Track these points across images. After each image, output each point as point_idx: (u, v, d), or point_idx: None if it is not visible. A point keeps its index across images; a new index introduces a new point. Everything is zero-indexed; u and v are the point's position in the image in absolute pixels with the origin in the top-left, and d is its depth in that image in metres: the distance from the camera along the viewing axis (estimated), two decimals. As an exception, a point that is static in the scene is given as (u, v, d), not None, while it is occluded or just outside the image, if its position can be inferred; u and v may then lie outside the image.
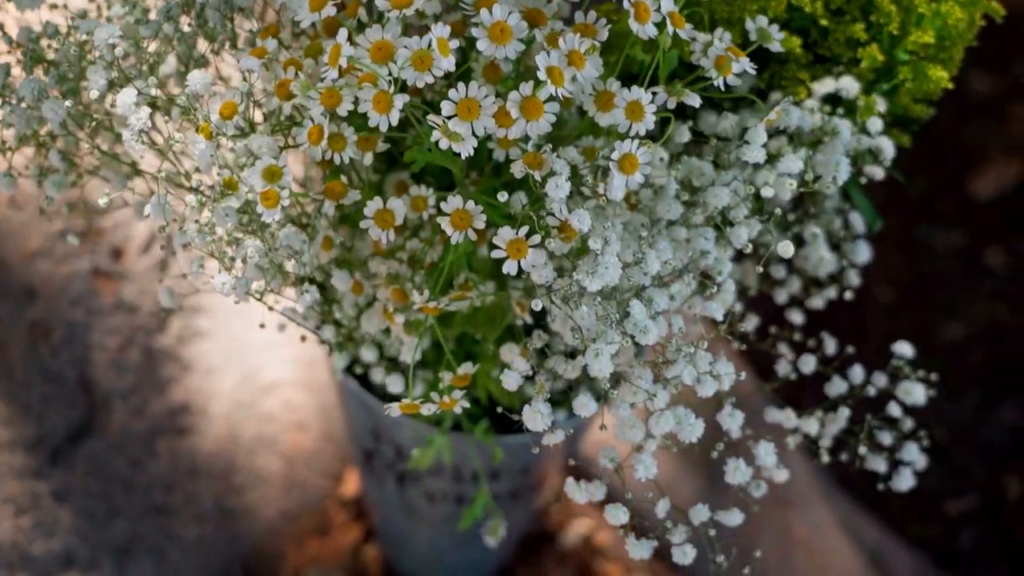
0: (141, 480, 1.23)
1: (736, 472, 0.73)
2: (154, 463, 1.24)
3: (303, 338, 0.88)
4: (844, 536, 1.36)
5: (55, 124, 0.72)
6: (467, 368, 0.73)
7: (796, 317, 0.88)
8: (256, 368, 1.35)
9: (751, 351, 0.87)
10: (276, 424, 1.36)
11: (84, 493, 1.17)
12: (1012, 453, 1.60)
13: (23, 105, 0.72)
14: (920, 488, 1.56)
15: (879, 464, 0.82)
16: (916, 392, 0.82)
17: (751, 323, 0.88)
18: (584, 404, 0.69)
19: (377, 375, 0.93)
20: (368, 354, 0.87)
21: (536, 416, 0.69)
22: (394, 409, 0.71)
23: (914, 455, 0.82)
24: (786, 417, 0.79)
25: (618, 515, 0.72)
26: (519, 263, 0.67)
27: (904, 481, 0.82)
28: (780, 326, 0.89)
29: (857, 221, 0.86)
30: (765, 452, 0.74)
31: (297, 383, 1.37)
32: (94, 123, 0.74)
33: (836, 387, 0.81)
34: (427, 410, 0.71)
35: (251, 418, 1.34)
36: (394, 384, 0.85)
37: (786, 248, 0.70)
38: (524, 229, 0.66)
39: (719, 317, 0.71)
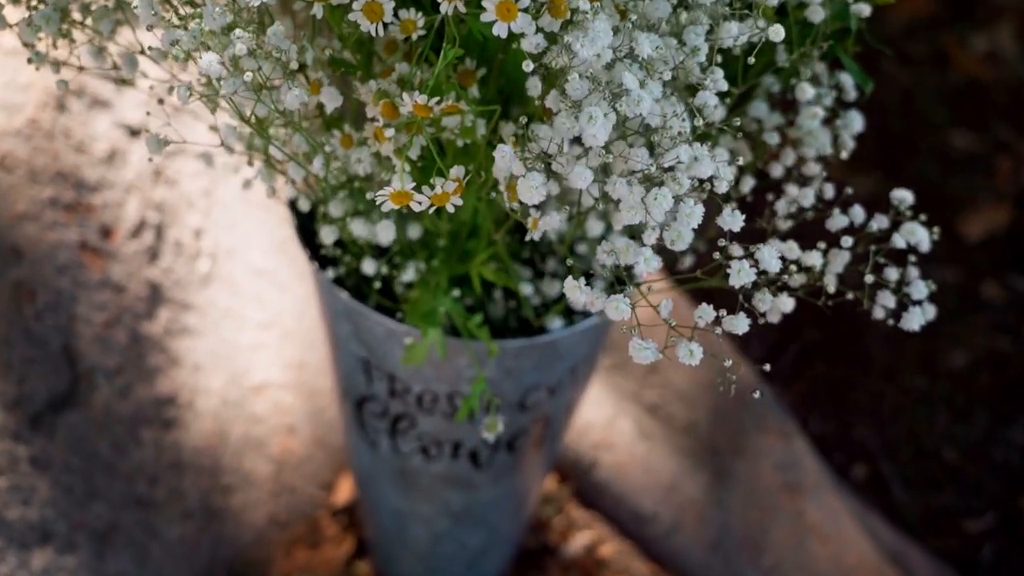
0: (123, 466, 1.18)
1: (740, 273, 0.70)
2: (138, 451, 1.19)
3: (291, 190, 0.85)
4: (859, 528, 1.30)
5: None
6: (458, 171, 0.71)
7: (792, 190, 0.86)
8: (245, 369, 1.31)
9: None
10: (265, 426, 1.32)
11: (64, 467, 1.12)
12: (1028, 474, 1.55)
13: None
14: (936, 506, 1.50)
15: (888, 300, 0.79)
16: (919, 233, 0.80)
17: (747, 184, 0.87)
18: (580, 174, 0.67)
19: (368, 266, 0.91)
20: (359, 228, 0.85)
21: (530, 189, 0.67)
22: (386, 203, 0.69)
23: (922, 292, 0.79)
24: (788, 248, 0.77)
25: (621, 308, 0.69)
26: (508, 27, 0.67)
27: (914, 319, 0.78)
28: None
29: (848, 86, 0.86)
30: (769, 255, 0.71)
31: (288, 386, 1.34)
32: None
33: (837, 221, 0.79)
34: (418, 204, 0.69)
35: (239, 418, 1.29)
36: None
37: (776, 32, 0.70)
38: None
39: (712, 103, 0.70)
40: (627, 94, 0.67)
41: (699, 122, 0.69)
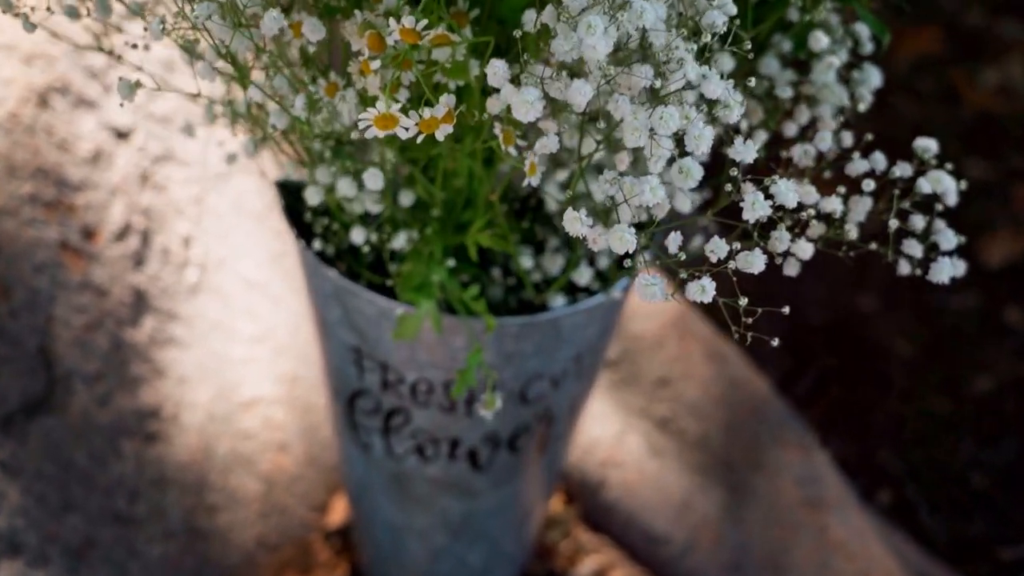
0: (102, 478, 1.11)
1: (754, 206, 0.64)
2: (118, 463, 1.13)
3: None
4: (885, 546, 1.22)
5: None
6: (448, 100, 0.66)
7: (809, 149, 0.81)
8: (234, 384, 1.25)
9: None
10: (254, 443, 1.25)
11: (36, 474, 1.05)
12: (1060, 501, 1.47)
13: None
14: (966, 533, 1.42)
15: (914, 248, 0.73)
16: (946, 181, 0.74)
17: (759, 139, 0.82)
18: (578, 89, 0.62)
19: (358, 235, 0.85)
20: (345, 187, 0.80)
21: (524, 104, 0.62)
22: (371, 129, 0.64)
23: (951, 241, 0.73)
24: (806, 192, 0.71)
25: (625, 238, 0.63)
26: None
27: (943, 271, 0.72)
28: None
29: (864, 37, 0.82)
30: (786, 189, 0.65)
31: (279, 401, 1.27)
32: None
33: (858, 166, 0.73)
34: (404, 131, 0.64)
35: (227, 434, 1.23)
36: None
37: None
38: None
39: (720, 22, 0.65)
40: (629, 7, 0.62)
41: (706, 38, 0.63)
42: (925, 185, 0.72)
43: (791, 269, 0.72)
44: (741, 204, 0.66)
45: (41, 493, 1.05)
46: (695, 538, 1.23)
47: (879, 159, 0.74)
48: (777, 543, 1.20)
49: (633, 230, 0.63)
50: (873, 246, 0.73)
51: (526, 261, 0.88)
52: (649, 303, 1.30)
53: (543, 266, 0.90)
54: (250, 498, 1.22)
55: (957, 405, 1.56)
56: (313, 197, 0.81)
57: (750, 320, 0.66)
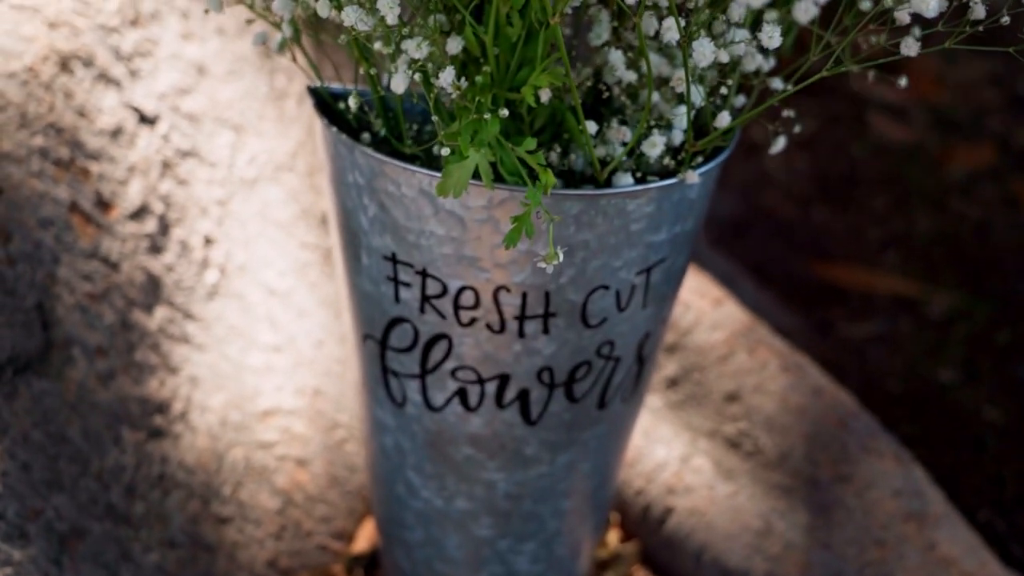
0: (96, 463, 0.97)
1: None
2: (115, 451, 0.99)
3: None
4: (1005, 567, 1.04)
5: None
6: None
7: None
8: (251, 392, 1.12)
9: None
10: (271, 455, 1.10)
11: (21, 438, 0.91)
12: None
13: None
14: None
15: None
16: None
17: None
18: None
19: (399, 82, 0.75)
20: (386, 3, 0.70)
21: None
22: None
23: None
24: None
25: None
26: None
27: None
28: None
29: None
30: None
31: (300, 414, 1.14)
32: None
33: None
34: None
35: (240, 443, 1.09)
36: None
37: None
38: None
39: None
40: None
41: None
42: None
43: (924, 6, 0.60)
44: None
45: (25, 461, 0.91)
46: (778, 570, 1.06)
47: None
48: (876, 566, 1.02)
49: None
50: (1005, 19, 0.63)
51: (590, 127, 0.77)
52: (714, 310, 1.17)
53: (608, 139, 0.79)
54: (263, 514, 1.07)
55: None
56: (350, 16, 0.71)
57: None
